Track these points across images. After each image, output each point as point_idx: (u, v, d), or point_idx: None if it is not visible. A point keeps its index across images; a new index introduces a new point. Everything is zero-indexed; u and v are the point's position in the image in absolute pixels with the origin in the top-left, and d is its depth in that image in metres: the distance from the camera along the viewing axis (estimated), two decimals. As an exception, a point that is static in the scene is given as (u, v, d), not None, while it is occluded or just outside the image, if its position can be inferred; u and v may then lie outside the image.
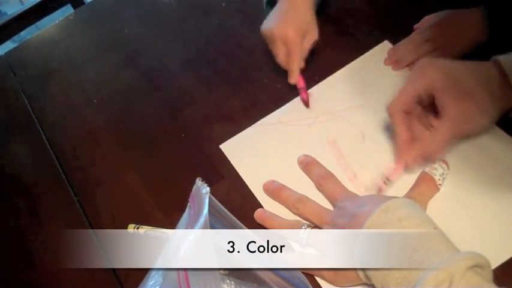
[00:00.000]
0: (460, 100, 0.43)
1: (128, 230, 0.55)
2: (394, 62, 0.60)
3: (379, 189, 0.50)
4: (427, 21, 0.60)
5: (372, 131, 0.55)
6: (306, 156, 0.54)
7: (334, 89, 0.60)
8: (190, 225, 0.41)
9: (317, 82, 0.61)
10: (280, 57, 0.58)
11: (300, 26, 0.57)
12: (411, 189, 0.48)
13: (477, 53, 0.53)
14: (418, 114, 0.48)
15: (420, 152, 0.47)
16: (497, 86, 0.44)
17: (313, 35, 0.58)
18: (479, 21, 0.55)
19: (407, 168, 0.49)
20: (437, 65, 0.45)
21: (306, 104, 0.59)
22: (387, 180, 0.49)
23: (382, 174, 0.50)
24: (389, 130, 0.54)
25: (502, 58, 0.44)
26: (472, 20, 0.56)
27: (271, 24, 0.58)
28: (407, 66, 0.59)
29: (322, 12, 0.65)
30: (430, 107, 0.47)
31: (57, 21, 0.85)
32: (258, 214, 0.51)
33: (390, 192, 0.50)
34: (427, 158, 0.48)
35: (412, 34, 0.60)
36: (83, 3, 1.10)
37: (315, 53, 0.61)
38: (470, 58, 0.47)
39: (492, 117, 0.45)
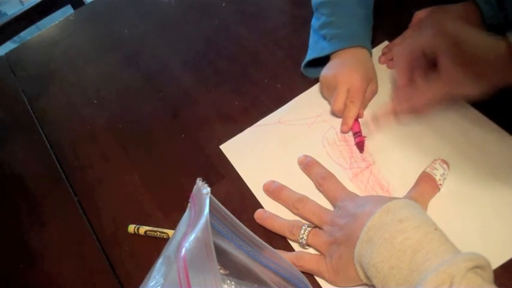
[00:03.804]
0: (459, 65, 0.44)
1: (128, 230, 0.55)
2: (388, 60, 0.60)
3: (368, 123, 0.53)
4: (419, 16, 0.60)
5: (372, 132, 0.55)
6: (306, 156, 0.54)
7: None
8: (191, 226, 0.41)
9: (318, 81, 0.61)
10: (339, 104, 0.56)
11: (366, 75, 0.57)
12: (412, 189, 0.48)
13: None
14: (424, 65, 0.49)
15: (406, 96, 0.49)
16: (501, 57, 0.43)
17: (374, 87, 0.58)
18: (473, 15, 0.55)
19: (395, 115, 0.52)
20: (448, 28, 0.45)
21: (361, 148, 0.54)
22: (376, 120, 0.52)
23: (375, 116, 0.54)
24: (390, 130, 0.54)
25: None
26: (466, 14, 0.55)
27: (335, 71, 0.57)
28: None
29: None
30: (432, 60, 0.48)
31: (57, 22, 0.85)
32: (258, 214, 0.51)
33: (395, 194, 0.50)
34: (414, 110, 0.50)
35: (405, 32, 0.60)
36: (83, 3, 1.10)
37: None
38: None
39: (486, 87, 0.45)
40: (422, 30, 0.48)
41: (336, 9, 0.60)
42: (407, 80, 0.49)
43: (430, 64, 0.47)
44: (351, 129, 0.56)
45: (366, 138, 0.54)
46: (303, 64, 0.61)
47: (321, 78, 0.59)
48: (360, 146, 0.54)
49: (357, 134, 0.55)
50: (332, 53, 0.59)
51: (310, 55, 0.61)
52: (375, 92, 0.58)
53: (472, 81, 0.44)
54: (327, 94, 0.59)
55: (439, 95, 0.47)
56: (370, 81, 0.57)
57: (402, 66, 0.49)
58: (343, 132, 0.56)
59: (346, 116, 0.56)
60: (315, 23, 0.63)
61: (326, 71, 0.58)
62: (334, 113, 0.57)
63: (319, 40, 0.61)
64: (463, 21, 0.47)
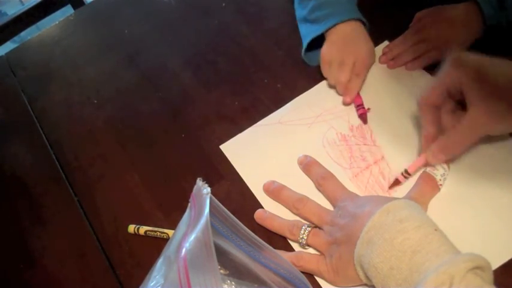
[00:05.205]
0: (487, 99, 0.41)
1: (128, 230, 0.55)
2: (389, 60, 0.60)
3: (397, 182, 0.50)
4: (419, 16, 0.60)
5: (372, 131, 0.55)
6: (306, 156, 0.54)
7: (335, 89, 0.60)
8: (191, 226, 0.41)
9: (318, 81, 0.61)
10: (347, 74, 0.56)
11: (371, 48, 0.58)
12: (412, 189, 0.48)
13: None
14: (451, 108, 0.47)
15: (441, 147, 0.46)
16: None
17: (374, 59, 0.59)
18: (474, 15, 0.54)
19: (428, 163, 0.48)
20: (469, 60, 0.43)
21: (364, 120, 0.55)
22: (406, 174, 0.49)
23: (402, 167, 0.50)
24: (389, 130, 0.54)
25: None
26: (467, 15, 0.55)
27: (339, 45, 0.58)
28: (403, 65, 0.59)
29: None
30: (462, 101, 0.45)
31: (57, 22, 0.85)
32: (258, 214, 0.51)
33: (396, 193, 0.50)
34: (448, 155, 0.47)
35: (406, 32, 0.60)
36: (83, 3, 1.10)
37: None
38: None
39: None
40: (442, 69, 0.45)
41: None
42: (435, 127, 0.46)
43: (457, 104, 0.45)
44: (354, 101, 0.57)
45: (368, 110, 0.55)
46: (303, 49, 0.62)
47: (322, 55, 0.59)
48: (363, 117, 0.55)
49: (360, 106, 0.56)
50: (329, 31, 0.59)
51: (307, 38, 0.61)
52: (372, 63, 0.60)
53: (503, 115, 0.41)
54: (328, 71, 0.59)
55: (469, 135, 0.44)
56: (374, 55, 0.58)
57: (427, 114, 0.46)
58: (345, 104, 0.57)
59: (350, 87, 0.57)
60: (301, 13, 0.64)
61: (328, 47, 0.58)
62: (338, 86, 0.58)
63: (311, 26, 0.61)
64: (474, 54, 0.43)
